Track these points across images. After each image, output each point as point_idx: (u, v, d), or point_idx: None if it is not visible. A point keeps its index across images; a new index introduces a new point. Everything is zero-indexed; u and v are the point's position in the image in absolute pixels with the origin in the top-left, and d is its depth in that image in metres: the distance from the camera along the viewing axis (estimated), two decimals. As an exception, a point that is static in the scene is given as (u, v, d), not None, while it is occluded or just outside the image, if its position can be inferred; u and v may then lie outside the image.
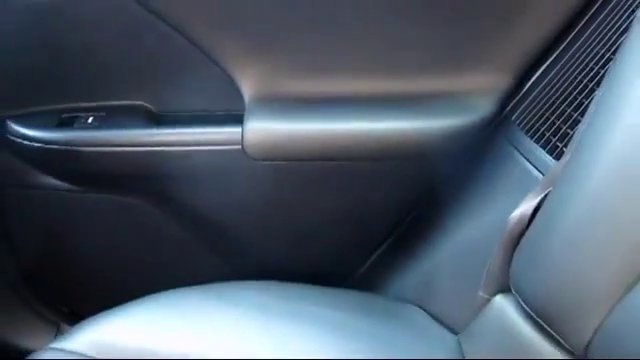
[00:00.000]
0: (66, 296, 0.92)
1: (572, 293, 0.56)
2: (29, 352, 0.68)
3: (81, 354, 0.61)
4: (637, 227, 0.51)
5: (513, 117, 0.81)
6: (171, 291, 0.70)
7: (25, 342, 0.97)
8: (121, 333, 0.63)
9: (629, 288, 0.51)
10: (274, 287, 0.75)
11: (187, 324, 0.65)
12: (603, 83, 0.60)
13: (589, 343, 0.54)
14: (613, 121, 0.54)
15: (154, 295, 0.69)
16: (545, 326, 0.60)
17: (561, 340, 0.58)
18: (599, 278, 0.53)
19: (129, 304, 0.67)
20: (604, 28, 0.72)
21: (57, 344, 0.63)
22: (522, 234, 0.66)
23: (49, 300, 0.98)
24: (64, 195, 0.89)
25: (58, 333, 0.96)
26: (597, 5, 0.76)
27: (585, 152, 0.57)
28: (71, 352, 0.61)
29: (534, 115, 0.78)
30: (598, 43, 0.72)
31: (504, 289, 0.68)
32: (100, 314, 0.66)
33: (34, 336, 0.98)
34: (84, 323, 0.65)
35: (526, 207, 0.66)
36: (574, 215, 0.56)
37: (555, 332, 0.59)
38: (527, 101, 0.80)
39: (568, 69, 0.76)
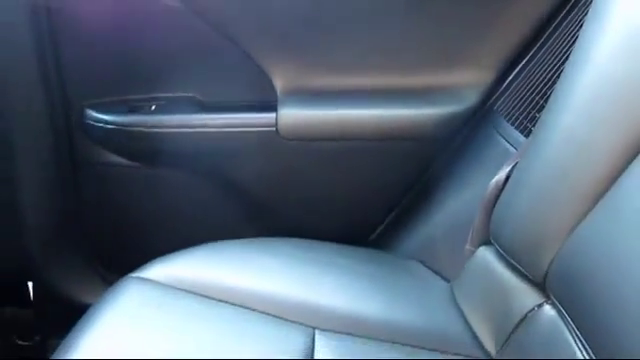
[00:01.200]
0: (124, 259, 1.05)
1: (533, 235, 0.71)
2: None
3: (158, 282, 0.75)
4: (579, 182, 0.65)
5: (495, 106, 0.96)
6: (221, 242, 0.85)
7: (88, 299, 1.12)
8: (188, 269, 0.77)
9: (572, 230, 0.65)
10: (301, 242, 0.90)
11: (237, 265, 0.80)
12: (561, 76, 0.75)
13: (546, 273, 0.69)
14: (565, 104, 0.69)
15: (208, 244, 0.84)
16: (515, 264, 0.74)
17: (527, 273, 0.72)
18: (552, 222, 0.68)
19: (188, 250, 0.82)
20: (567, 35, 0.86)
21: (136, 274, 0.76)
22: (498, 196, 0.80)
23: (109, 262, 1.12)
24: (127, 170, 1.04)
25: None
26: (562, 14, 0.90)
27: (543, 129, 0.71)
28: (149, 280, 0.75)
29: (512, 104, 0.92)
30: (562, 46, 0.86)
31: (486, 241, 0.81)
32: (165, 256, 0.81)
33: (95, 294, 1.14)
34: (154, 261, 0.80)
35: (500, 175, 0.80)
36: (534, 176, 0.71)
37: (522, 267, 0.73)
38: (507, 93, 0.95)
39: (539, 67, 0.90)
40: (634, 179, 0.60)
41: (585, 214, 0.65)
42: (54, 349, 1.14)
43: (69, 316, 1.13)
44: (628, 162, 0.61)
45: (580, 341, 0.61)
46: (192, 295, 0.73)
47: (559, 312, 0.67)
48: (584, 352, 0.60)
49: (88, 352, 0.65)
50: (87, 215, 1.08)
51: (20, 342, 1.13)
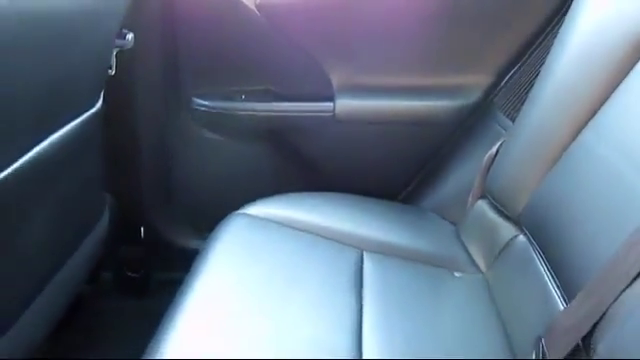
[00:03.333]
0: (213, 211, 1.14)
1: (512, 188, 1.00)
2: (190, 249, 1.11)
3: (255, 216, 1.05)
4: (544, 148, 0.94)
5: (494, 101, 1.24)
6: (295, 193, 1.15)
7: (182, 242, 1.40)
8: (274, 208, 1.06)
9: (539, 182, 0.93)
10: (350, 196, 1.19)
11: (307, 207, 1.09)
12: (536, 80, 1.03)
13: (521, 213, 0.97)
14: (537, 98, 0.99)
15: (287, 194, 1.14)
16: (501, 208, 1.03)
17: (508, 214, 1.01)
18: (525, 177, 0.96)
19: (274, 197, 1.12)
20: (546, 50, 1.13)
21: (240, 211, 1.06)
22: (491, 164, 1.08)
23: (202, 214, 1.31)
24: (218, 143, 1.33)
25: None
26: (543, 35, 1.17)
27: (522, 116, 1.01)
28: (254, 216, 1.04)
29: (508, 100, 1.21)
30: (542, 59, 1.12)
31: (482, 196, 1.10)
32: (258, 200, 1.10)
33: (187, 238, 1.40)
34: (251, 203, 1.08)
35: (492, 150, 1.09)
36: (514, 147, 1.01)
37: (505, 210, 1.02)
38: (502, 92, 1.23)
39: (526, 74, 1.19)
40: (581, 143, 0.88)
41: (548, 171, 0.93)
42: (156, 280, 1.42)
43: (168, 255, 1.43)
44: (577, 132, 0.89)
45: (542, 258, 0.89)
46: (279, 225, 1.04)
47: (528, 239, 0.95)
48: (544, 267, 0.88)
49: (221, 258, 0.95)
50: (186, 177, 1.37)
51: (129, 273, 1.42)
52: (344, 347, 0.80)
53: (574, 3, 1.00)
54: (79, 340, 1.29)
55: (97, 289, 1.41)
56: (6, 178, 0.76)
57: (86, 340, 1.30)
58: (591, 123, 0.88)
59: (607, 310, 0.66)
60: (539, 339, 0.76)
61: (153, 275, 1.43)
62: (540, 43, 1.17)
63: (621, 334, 0.63)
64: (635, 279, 0.64)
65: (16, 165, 0.79)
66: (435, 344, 0.85)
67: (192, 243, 1.37)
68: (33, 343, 1.01)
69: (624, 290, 0.64)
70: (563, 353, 0.71)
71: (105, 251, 1.27)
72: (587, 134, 0.88)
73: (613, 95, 0.87)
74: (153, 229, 1.38)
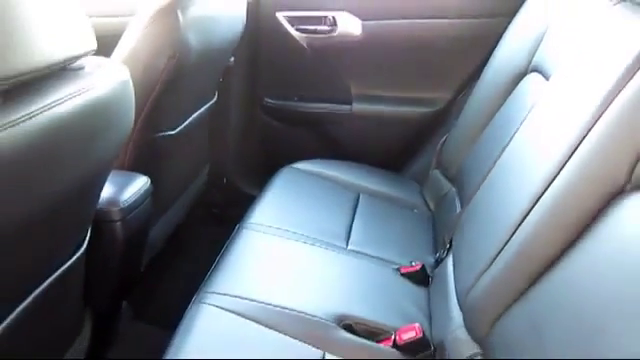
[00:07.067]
0: (274, 167, 1.75)
1: (451, 159, 1.63)
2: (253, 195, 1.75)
3: (298, 169, 1.71)
4: (468, 131, 1.58)
5: (452, 110, 1.88)
6: (321, 159, 1.82)
7: (249, 190, 2.06)
8: (311, 166, 1.70)
9: (467, 153, 1.57)
10: (355, 163, 1.83)
11: (331, 166, 1.73)
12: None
13: (454, 175, 1.61)
14: (470, 103, 1.64)
15: (317, 159, 1.80)
16: (445, 173, 1.65)
17: (449, 176, 1.65)
18: (459, 151, 1.59)
19: (310, 160, 1.78)
20: None
21: (290, 165, 1.73)
22: (442, 148, 1.75)
23: (264, 172, 1.93)
24: (279, 127, 1.99)
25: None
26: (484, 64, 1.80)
27: (460, 116, 1.67)
28: (297, 169, 1.70)
29: (459, 111, 1.85)
30: None
31: (437, 167, 1.75)
32: (300, 161, 1.78)
33: (253, 187, 2.08)
34: (296, 162, 1.75)
35: (443, 139, 1.73)
36: (454, 135, 1.66)
37: (446, 173, 1.66)
38: (456, 105, 1.87)
39: (469, 95, 1.83)
40: (485, 134, 1.51)
41: (469, 150, 1.57)
42: (230, 215, 2.10)
43: (238, 197, 2.10)
44: (484, 128, 1.51)
45: (458, 197, 1.51)
46: (311, 175, 1.70)
47: (456, 190, 1.59)
48: (458, 200, 1.52)
49: (276, 191, 1.62)
50: (255, 148, 2.04)
51: (214, 210, 2.11)
52: (340, 233, 1.45)
53: (495, 48, 1.66)
54: (181, 248, 1.97)
55: (191, 220, 2.08)
56: (177, 134, 1.46)
57: (184, 249, 1.96)
58: (491, 122, 1.52)
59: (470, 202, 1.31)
60: (446, 234, 1.42)
61: (228, 210, 2.05)
62: (480, 72, 1.79)
63: (470, 215, 1.29)
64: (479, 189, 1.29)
65: (178, 129, 1.49)
66: (394, 239, 1.49)
67: (255, 190, 2.03)
68: (162, 240, 1.69)
69: (475, 193, 1.30)
70: (450, 236, 1.37)
71: (201, 193, 1.97)
72: (488, 129, 1.51)
73: (502, 105, 1.50)
74: (231, 180, 2.05)
